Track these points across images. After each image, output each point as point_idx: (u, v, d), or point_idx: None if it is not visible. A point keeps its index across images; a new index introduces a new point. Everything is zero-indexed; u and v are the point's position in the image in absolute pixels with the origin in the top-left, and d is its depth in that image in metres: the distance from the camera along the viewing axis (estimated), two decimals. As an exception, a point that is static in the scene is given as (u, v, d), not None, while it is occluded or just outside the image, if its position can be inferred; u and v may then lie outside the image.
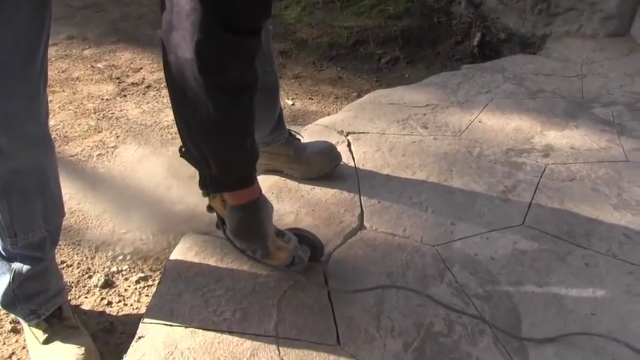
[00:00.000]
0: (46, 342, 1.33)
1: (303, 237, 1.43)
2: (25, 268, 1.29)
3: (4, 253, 1.30)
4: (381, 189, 1.77)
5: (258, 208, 1.21)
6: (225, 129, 1.07)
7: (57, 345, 1.32)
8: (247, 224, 1.22)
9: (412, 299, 1.38)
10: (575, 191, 1.79)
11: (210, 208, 1.28)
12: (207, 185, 1.19)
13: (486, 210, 1.69)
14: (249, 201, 1.20)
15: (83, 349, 1.31)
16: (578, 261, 1.52)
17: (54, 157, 1.29)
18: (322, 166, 1.78)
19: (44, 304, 1.34)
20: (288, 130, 1.80)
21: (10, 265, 1.30)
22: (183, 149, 1.16)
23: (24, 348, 1.41)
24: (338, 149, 1.83)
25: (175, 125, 1.12)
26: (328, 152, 1.79)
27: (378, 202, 1.71)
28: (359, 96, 2.59)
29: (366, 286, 1.41)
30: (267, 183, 1.79)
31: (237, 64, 1.01)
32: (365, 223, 1.64)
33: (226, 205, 1.22)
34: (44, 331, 1.34)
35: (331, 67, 3.00)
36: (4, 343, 1.43)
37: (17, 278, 1.29)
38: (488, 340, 1.28)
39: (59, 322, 1.36)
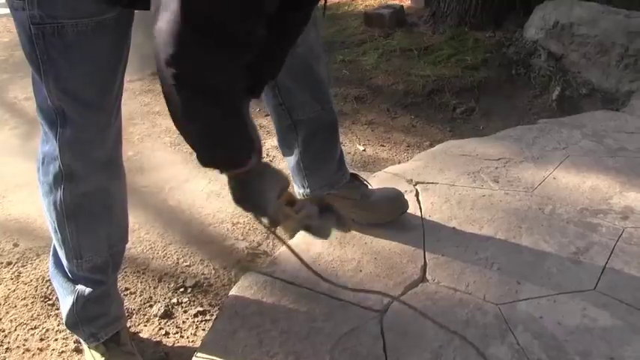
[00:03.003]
0: (103, 365, 1.36)
1: (329, 208, 1.34)
2: (88, 290, 1.34)
3: (69, 275, 1.37)
4: (446, 242, 1.73)
5: (249, 180, 1.20)
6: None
7: (113, 369, 1.35)
8: (242, 193, 1.22)
9: (470, 357, 1.32)
10: (656, 258, 1.68)
11: None
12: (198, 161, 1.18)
13: (555, 271, 1.61)
14: (239, 173, 1.19)
15: (137, 375, 1.34)
16: (658, 336, 1.41)
17: (122, 183, 1.34)
18: (388, 213, 1.76)
19: (104, 328, 1.38)
20: (356, 174, 1.80)
21: (75, 287, 1.36)
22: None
23: (83, 369, 1.45)
24: (406, 198, 1.81)
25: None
26: (395, 199, 1.78)
27: (442, 255, 1.67)
28: (431, 145, 2.56)
29: (424, 340, 1.36)
30: (331, 227, 1.78)
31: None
32: (427, 275, 1.60)
33: None
34: (102, 355, 1.38)
35: (405, 114, 3.00)
36: (67, 362, 1.48)
37: (80, 300, 1.35)
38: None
39: (117, 347, 1.39)
